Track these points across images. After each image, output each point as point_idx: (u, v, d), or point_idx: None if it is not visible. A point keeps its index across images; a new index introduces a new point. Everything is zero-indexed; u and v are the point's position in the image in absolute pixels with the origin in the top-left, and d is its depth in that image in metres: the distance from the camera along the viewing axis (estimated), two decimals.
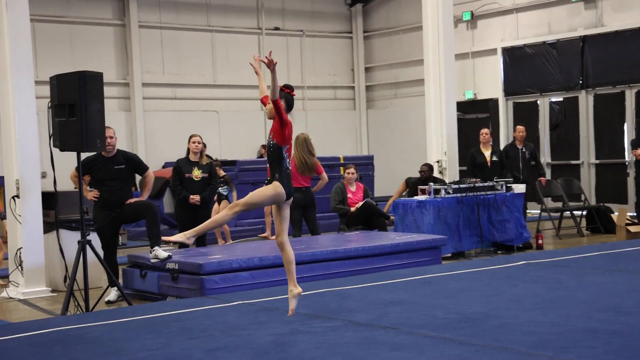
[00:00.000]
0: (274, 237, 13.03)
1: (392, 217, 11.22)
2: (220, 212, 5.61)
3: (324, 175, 10.45)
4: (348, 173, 11.26)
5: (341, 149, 19.84)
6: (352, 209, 11.02)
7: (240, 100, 20.09)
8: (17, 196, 8.81)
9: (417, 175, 14.33)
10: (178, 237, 5.52)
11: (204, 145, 9.70)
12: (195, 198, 9.17)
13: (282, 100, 5.75)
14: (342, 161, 15.83)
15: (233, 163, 15.28)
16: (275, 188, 5.63)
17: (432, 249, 9.32)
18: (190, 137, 9.54)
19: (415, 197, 10.82)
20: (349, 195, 11.14)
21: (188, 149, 9.47)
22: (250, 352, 4.94)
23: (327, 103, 21.60)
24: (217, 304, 6.72)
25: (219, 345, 5.14)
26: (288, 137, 5.73)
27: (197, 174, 9.34)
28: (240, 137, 19.72)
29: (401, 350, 4.82)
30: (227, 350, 5.00)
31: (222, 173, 12.16)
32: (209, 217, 9.75)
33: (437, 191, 10.64)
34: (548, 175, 15.60)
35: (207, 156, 9.94)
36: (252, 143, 19.89)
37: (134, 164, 8.44)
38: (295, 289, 5.71)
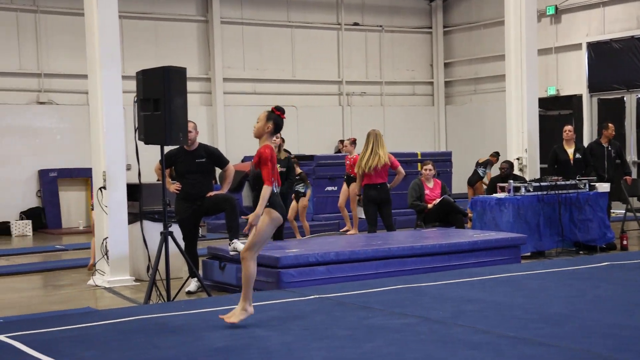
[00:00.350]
0: (349, 232, 13.09)
1: (470, 215, 11.09)
2: (244, 267, 5.65)
3: (401, 169, 10.41)
4: (425, 169, 11.18)
5: (419, 145, 19.69)
6: (430, 205, 10.94)
7: (319, 95, 20.18)
8: (104, 187, 9.08)
9: (472, 172, 14.11)
10: (239, 316, 5.57)
11: (282, 140, 9.77)
12: None
13: (271, 122, 5.89)
14: (419, 157, 15.72)
15: (310, 158, 15.36)
16: (269, 215, 5.69)
17: (511, 248, 9.17)
18: None
19: (494, 195, 10.67)
20: (426, 191, 11.07)
21: None
22: (326, 345, 4.97)
23: (405, 99, 21.48)
24: (293, 297, 6.78)
25: (294, 338, 5.20)
26: (274, 172, 5.86)
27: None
28: (318, 132, 19.81)
29: (478, 350, 4.77)
30: (303, 343, 5.05)
31: (298, 170, 12.26)
32: (286, 211, 9.85)
33: (517, 189, 10.47)
34: (634, 174, 15.14)
35: (285, 151, 10.02)
36: (329, 138, 19.97)
37: (215, 158, 8.58)
38: (250, 307, 5.66)
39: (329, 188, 15.12)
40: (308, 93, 19.91)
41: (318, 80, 20.06)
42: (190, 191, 8.40)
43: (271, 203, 5.70)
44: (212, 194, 8.41)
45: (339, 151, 18.71)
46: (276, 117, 5.93)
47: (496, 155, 16.46)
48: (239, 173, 14.44)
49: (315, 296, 6.78)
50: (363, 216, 11.22)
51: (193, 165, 8.41)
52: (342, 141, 18.64)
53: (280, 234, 9.52)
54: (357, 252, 8.18)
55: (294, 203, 12.25)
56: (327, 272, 7.87)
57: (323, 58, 20.18)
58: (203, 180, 8.46)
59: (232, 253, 8.21)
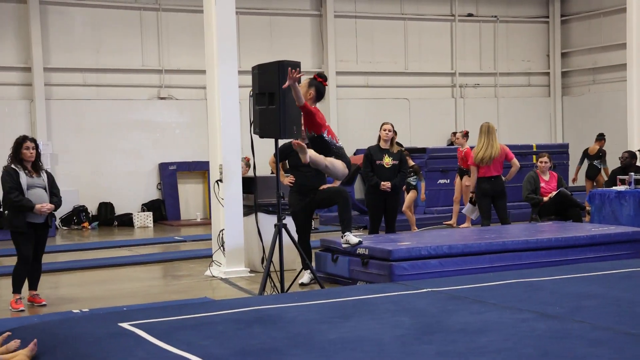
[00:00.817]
0: (462, 225, 12.90)
1: (588, 208, 10.72)
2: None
3: (515, 161, 10.18)
4: (541, 162, 10.88)
5: (534, 137, 19.19)
6: (545, 198, 10.64)
7: (431, 87, 19.97)
8: (221, 180, 9.30)
9: (580, 161, 13.57)
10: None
11: (395, 133, 9.76)
12: (386, 185, 9.25)
13: (313, 89, 5.90)
14: (534, 149, 15.32)
15: (423, 151, 15.24)
16: (341, 164, 6.14)
17: (632, 242, 8.80)
18: (382, 124, 9.65)
19: (614, 188, 10.27)
20: (542, 184, 10.77)
21: (379, 137, 9.57)
22: (438, 339, 4.90)
23: (521, 90, 20.96)
24: (405, 291, 6.72)
25: (408, 331, 5.16)
26: (321, 122, 5.86)
27: (387, 161, 9.42)
28: (430, 124, 19.62)
29: (597, 347, 4.59)
30: (415, 336, 5.00)
31: (411, 163, 12.18)
32: (398, 204, 9.82)
33: (638, 181, 10.03)
34: None
35: (398, 144, 10.01)
36: (442, 130, 19.74)
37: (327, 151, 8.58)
38: None
39: (441, 181, 14.97)
40: (421, 85, 19.74)
41: (431, 73, 19.85)
42: (304, 183, 8.49)
43: (338, 155, 5.93)
44: (325, 186, 8.48)
45: (451, 144, 18.47)
46: (318, 84, 5.97)
47: (602, 137, 15.76)
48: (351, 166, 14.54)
49: (428, 289, 6.70)
50: (472, 216, 11.01)
51: None
52: (455, 133, 18.41)
53: (392, 226, 9.49)
54: (471, 245, 8.06)
55: (406, 195, 12.21)
56: (440, 266, 7.79)
57: (436, 50, 19.95)
58: (316, 172, 8.50)
59: (344, 245, 8.25)
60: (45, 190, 7.74)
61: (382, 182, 9.27)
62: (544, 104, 21.09)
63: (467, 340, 4.87)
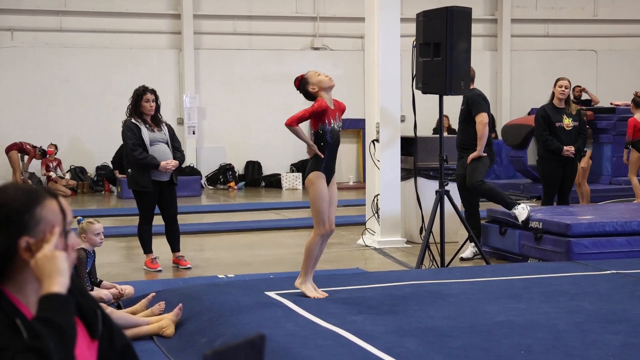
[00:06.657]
0: None
1: None
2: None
3: None
4: None
5: None
6: None
7: (625, 37, 19.04)
8: (377, 140, 9.31)
9: None
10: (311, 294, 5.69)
11: (572, 90, 9.39)
12: (569, 149, 8.95)
13: None
14: None
15: (612, 111, 14.61)
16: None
17: None
18: (557, 80, 9.27)
19: None
20: None
21: (553, 94, 9.23)
22: (625, 329, 4.73)
23: None
24: (586, 271, 6.53)
25: (587, 317, 5.01)
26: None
27: (567, 122, 9.10)
28: (621, 80, 18.73)
29: None
30: (597, 324, 4.85)
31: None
32: (576, 172, 9.49)
33: None
34: None
35: (576, 103, 9.67)
36: (635, 87, 18.75)
37: (468, 105, 8.35)
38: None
39: None
40: (612, 35, 18.87)
41: (626, 20, 18.91)
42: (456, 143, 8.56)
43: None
44: (471, 157, 8.21)
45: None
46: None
47: None
48: (523, 127, 14.14)
49: (613, 271, 6.48)
50: None
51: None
52: None
53: (566, 197, 9.20)
54: None
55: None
56: (628, 245, 7.50)
57: None
58: (461, 129, 8.49)
59: (519, 217, 7.94)
60: (168, 145, 7.91)
61: (566, 147, 8.96)
62: None
63: None
